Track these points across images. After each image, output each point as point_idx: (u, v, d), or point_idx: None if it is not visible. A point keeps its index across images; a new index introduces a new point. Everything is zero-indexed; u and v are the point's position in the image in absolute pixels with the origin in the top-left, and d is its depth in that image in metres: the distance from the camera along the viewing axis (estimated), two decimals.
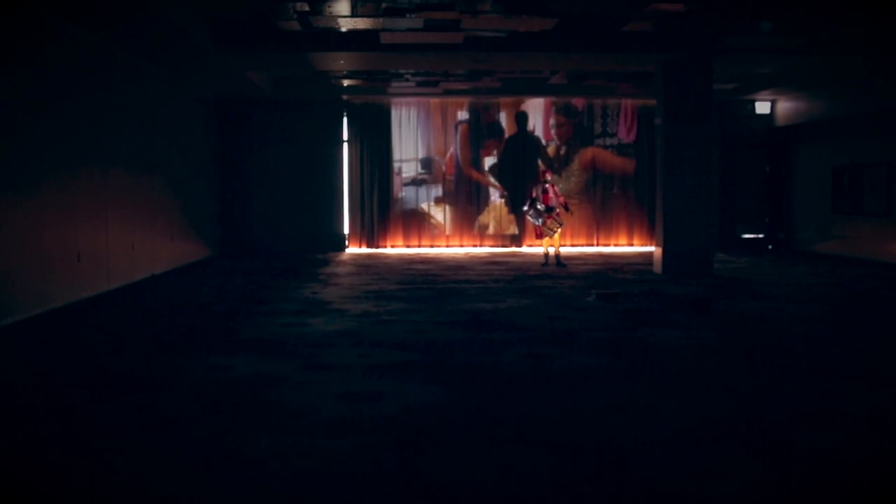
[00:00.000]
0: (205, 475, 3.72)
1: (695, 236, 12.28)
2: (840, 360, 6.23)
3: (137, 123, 11.84)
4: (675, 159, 12.31)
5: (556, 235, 13.61)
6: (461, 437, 4.28)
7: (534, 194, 13.77)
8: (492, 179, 17.52)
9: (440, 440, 4.23)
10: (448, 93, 16.17)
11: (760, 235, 17.95)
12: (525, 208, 14.00)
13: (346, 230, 17.44)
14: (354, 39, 11.12)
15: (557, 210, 13.40)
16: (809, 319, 8.10)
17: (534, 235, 14.52)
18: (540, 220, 13.49)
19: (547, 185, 13.62)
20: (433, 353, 6.46)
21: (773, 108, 17.24)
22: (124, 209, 11.24)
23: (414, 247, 17.40)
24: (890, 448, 4.15)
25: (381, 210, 17.40)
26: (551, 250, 13.80)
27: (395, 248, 17.34)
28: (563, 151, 17.58)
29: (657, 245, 12.72)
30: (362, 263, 14.51)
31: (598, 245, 17.57)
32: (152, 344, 6.94)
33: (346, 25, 10.74)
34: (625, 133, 17.61)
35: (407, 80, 14.83)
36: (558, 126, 17.50)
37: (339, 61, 12.35)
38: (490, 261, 14.86)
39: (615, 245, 17.59)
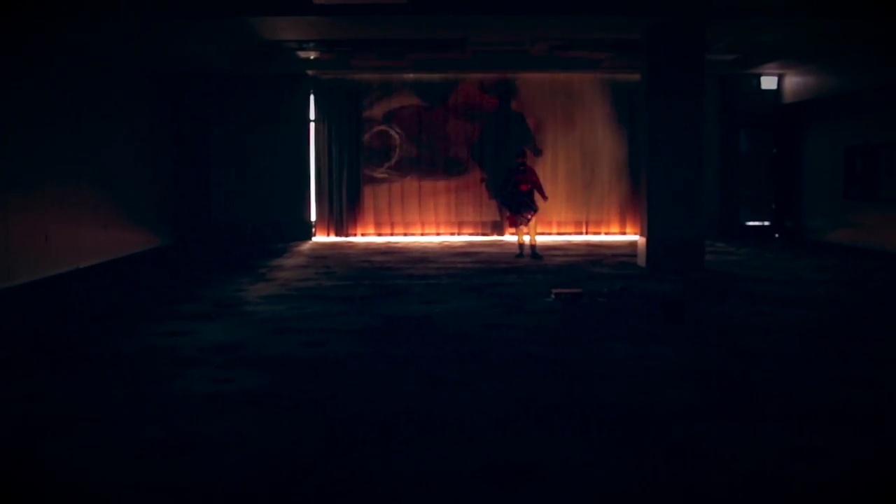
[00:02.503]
0: None
1: (683, 225, 10.79)
2: (836, 400, 4.79)
3: (55, 97, 10.53)
4: (661, 138, 10.80)
5: (532, 224, 12.17)
6: None
7: (507, 178, 12.33)
8: (469, 161, 16.05)
9: None
10: (418, 66, 14.68)
11: (766, 223, 16.38)
12: (499, 194, 12.55)
13: (314, 217, 16.08)
14: (284, 2, 9.70)
15: (525, 196, 11.94)
16: (804, 332, 6.63)
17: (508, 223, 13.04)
18: (512, 208, 12.05)
19: (522, 168, 12.17)
20: (307, 380, 5.10)
21: (780, 82, 15.62)
22: (33, 194, 9.96)
23: (386, 235, 16.02)
24: None
25: (351, 196, 16.01)
26: (527, 239, 12.36)
27: (366, 237, 15.97)
28: (549, 131, 16.06)
29: (641, 234, 11.26)
30: (320, 254, 13.16)
31: (586, 233, 16.09)
32: None
33: None
34: (616, 111, 16.06)
35: (369, 50, 13.38)
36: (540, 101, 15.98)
37: (276, 28, 10.93)
38: (462, 251, 13.45)
39: (606, 233, 16.10)
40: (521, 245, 12.45)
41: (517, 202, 11.96)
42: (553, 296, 8.07)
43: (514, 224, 12.31)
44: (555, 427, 4.08)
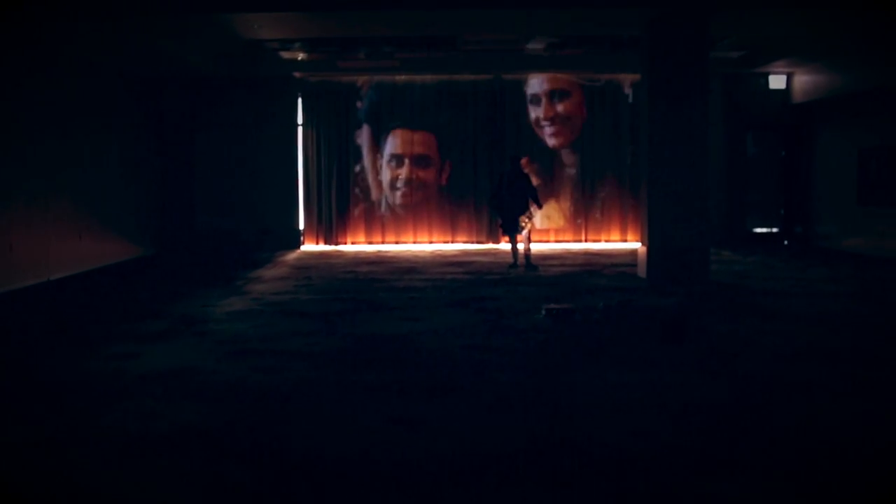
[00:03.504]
0: None
1: (686, 233, 10.10)
2: (865, 443, 4.10)
3: (25, 98, 9.94)
4: (663, 140, 10.13)
5: (526, 232, 11.50)
6: None
7: (501, 183, 11.66)
8: (463, 166, 15.38)
9: None
10: (406, 66, 14.04)
11: (774, 230, 15.67)
12: (491, 201, 11.88)
13: (302, 225, 15.44)
14: None
15: (527, 203, 11.27)
16: (821, 355, 5.94)
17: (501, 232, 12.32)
18: (505, 215, 11.38)
19: (515, 173, 11.49)
20: (250, 416, 4.45)
21: (789, 81, 14.92)
22: None
23: (377, 244, 15.36)
24: None
25: (341, 203, 15.36)
26: (521, 248, 11.67)
27: (357, 246, 15.31)
28: (546, 133, 15.39)
29: (642, 243, 10.58)
30: (305, 265, 12.51)
31: (586, 241, 15.40)
32: None
33: None
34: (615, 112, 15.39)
35: (356, 50, 12.75)
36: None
37: (253, 25, 10.31)
38: (454, 261, 12.79)
39: (606, 241, 15.41)
40: (514, 254, 11.77)
41: (510, 209, 11.29)
42: (543, 312, 7.40)
43: (508, 232, 11.64)
44: (526, 483, 3.40)
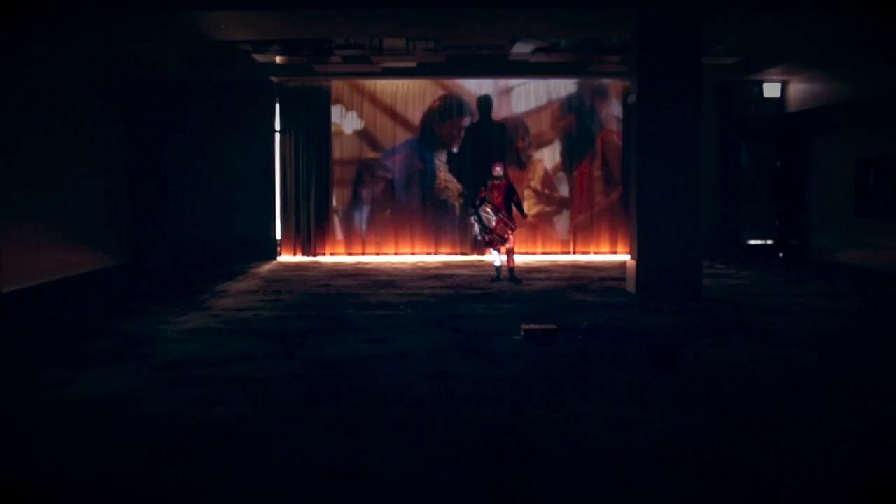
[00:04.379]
0: None
1: (678, 246, 9.55)
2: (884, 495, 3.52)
3: None
4: (653, 148, 9.58)
5: (510, 244, 10.91)
6: None
7: (483, 193, 11.10)
8: (447, 175, 14.81)
9: None
10: (389, 71, 13.46)
11: (769, 242, 15.14)
12: (471, 211, 11.29)
13: (279, 236, 14.82)
14: None
15: (501, 213, 10.68)
16: (825, 384, 5.36)
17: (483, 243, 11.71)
18: (487, 226, 10.81)
19: (497, 182, 10.93)
20: (161, 464, 3.82)
21: (783, 89, 14.41)
22: None
23: (357, 255, 14.75)
24: None
25: (320, 212, 14.76)
26: (504, 259, 11.07)
27: (336, 257, 14.70)
28: (532, 141, 14.84)
29: (630, 256, 10.01)
30: (278, 277, 11.89)
31: (574, 252, 14.83)
32: None
33: None
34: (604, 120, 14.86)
35: (334, 53, 12.18)
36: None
37: (220, 25, 9.73)
38: (434, 273, 12.19)
39: (595, 253, 14.84)
40: (498, 267, 11.19)
41: (494, 220, 10.71)
42: (522, 333, 6.81)
43: (490, 244, 11.06)
44: None
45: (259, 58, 12.48)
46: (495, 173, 10.96)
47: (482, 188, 11.22)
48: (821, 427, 4.29)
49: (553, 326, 6.88)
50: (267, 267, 13.49)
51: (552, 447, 3.97)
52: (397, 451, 3.91)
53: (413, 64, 12.72)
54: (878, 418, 4.47)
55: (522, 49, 12.21)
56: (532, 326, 6.85)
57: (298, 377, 5.48)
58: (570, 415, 4.52)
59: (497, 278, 11.08)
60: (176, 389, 5.15)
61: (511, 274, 10.99)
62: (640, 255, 9.64)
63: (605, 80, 14.47)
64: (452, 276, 11.91)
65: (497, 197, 10.84)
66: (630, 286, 9.86)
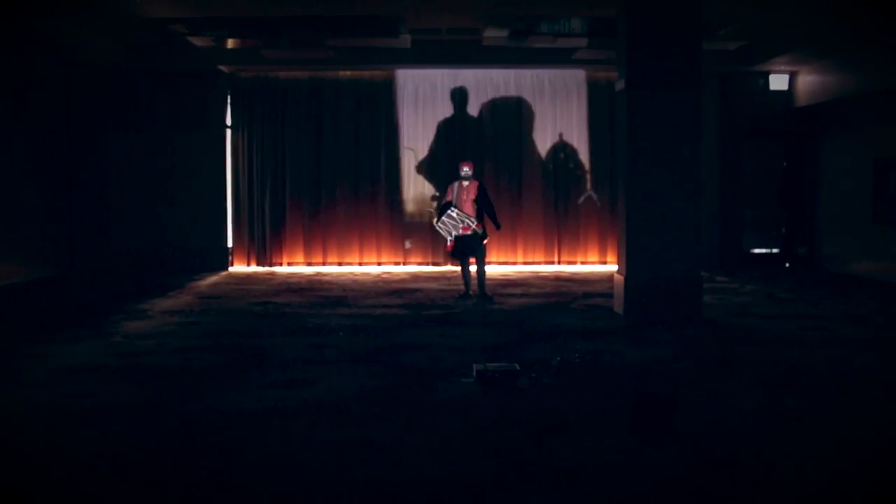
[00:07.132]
0: None
1: (674, 259, 8.08)
2: None
3: None
4: (644, 142, 8.11)
5: (480, 256, 9.44)
6: None
7: (449, 196, 9.64)
8: (417, 176, 13.35)
9: None
10: (346, 59, 11.97)
11: (775, 250, 13.68)
12: (436, 217, 9.81)
13: (231, 243, 13.33)
14: None
15: (469, 220, 9.21)
16: (869, 460, 3.89)
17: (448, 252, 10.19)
18: (453, 234, 9.34)
19: (466, 183, 9.47)
20: None
21: (792, 81, 12.94)
22: None
23: (317, 265, 13.25)
24: None
25: (275, 218, 13.26)
26: (473, 270, 9.59)
27: (293, 267, 13.20)
28: (511, 138, 13.35)
29: (618, 270, 8.55)
30: (218, 293, 10.40)
31: (559, 262, 13.36)
32: None
33: None
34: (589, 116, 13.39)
35: (277, 37, 10.72)
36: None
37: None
38: (396, 288, 10.70)
39: (582, 262, 13.37)
40: (467, 282, 9.71)
41: (461, 227, 9.24)
42: (475, 374, 5.33)
43: (457, 256, 9.59)
44: None
45: (196, 41, 11.02)
46: (463, 173, 9.49)
47: (447, 189, 9.77)
48: None
49: (514, 366, 5.40)
50: (212, 279, 11.98)
51: None
52: None
53: (370, 48, 11.24)
54: None
55: (497, 33, 10.76)
56: (487, 367, 5.37)
57: (156, 450, 3.99)
58: None
59: (465, 294, 9.60)
60: None
61: (481, 290, 9.51)
62: (628, 269, 8.17)
63: (592, 71, 12.99)
64: (416, 291, 10.42)
65: (466, 201, 9.38)
66: (618, 306, 8.39)
